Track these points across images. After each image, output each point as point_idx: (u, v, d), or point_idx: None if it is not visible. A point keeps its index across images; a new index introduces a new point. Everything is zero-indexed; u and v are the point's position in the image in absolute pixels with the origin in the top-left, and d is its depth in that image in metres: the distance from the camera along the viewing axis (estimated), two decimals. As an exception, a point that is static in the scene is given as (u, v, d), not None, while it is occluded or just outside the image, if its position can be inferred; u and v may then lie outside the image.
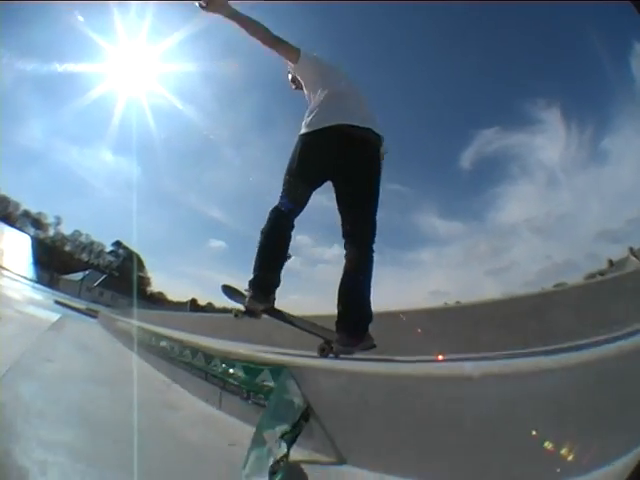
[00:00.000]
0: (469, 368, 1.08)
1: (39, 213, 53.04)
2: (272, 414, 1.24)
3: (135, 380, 2.36)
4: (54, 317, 5.65)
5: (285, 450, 1.07)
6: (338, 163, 1.93)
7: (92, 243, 55.96)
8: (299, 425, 1.16)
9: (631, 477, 0.72)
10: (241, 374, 1.75)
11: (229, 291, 2.37)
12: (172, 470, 1.13)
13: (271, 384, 1.47)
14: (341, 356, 1.86)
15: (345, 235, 1.97)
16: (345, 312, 1.89)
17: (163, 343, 2.85)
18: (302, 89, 2.20)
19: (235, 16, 1.90)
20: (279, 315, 2.16)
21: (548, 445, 0.80)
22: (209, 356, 2.06)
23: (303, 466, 1.10)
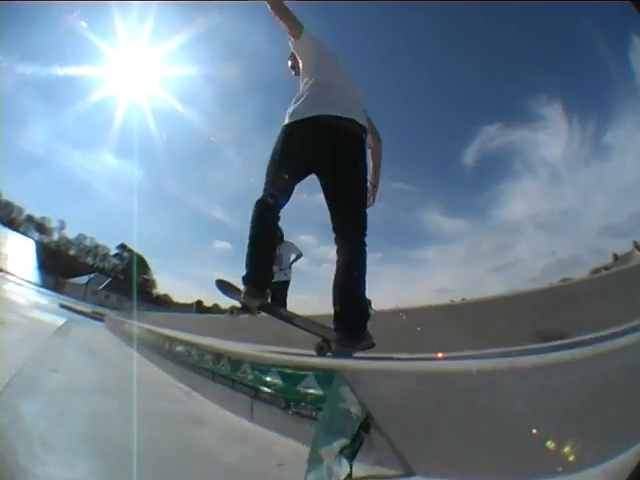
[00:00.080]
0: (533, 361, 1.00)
1: (43, 217, 53.08)
2: (327, 427, 1.09)
3: (151, 390, 2.13)
4: (59, 321, 5.43)
5: (347, 468, 0.96)
6: (321, 154, 1.89)
7: (97, 246, 55.98)
8: (359, 437, 1.02)
9: (631, 477, 0.71)
10: (278, 381, 1.52)
11: (223, 286, 2.23)
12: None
13: (317, 391, 1.28)
14: (389, 355, 1.71)
15: (334, 229, 1.92)
16: (342, 311, 1.82)
17: (179, 348, 2.60)
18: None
19: None
20: (275, 312, 2.06)
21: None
22: (236, 361, 1.82)
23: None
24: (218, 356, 2.01)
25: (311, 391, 1.32)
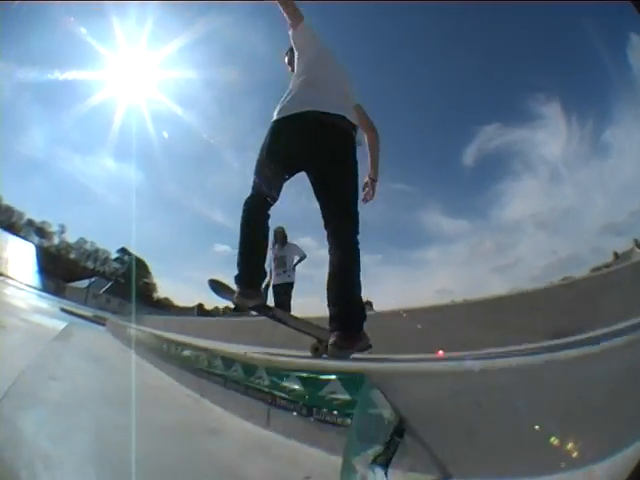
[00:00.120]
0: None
1: (43, 222, 53.14)
2: (359, 434, 1.03)
3: (159, 398, 2.02)
4: (60, 325, 5.33)
5: (383, 477, 0.91)
6: (309, 150, 1.86)
7: (97, 250, 56.03)
8: (393, 443, 0.96)
9: (631, 477, 0.71)
10: (298, 387, 1.43)
11: (216, 286, 2.18)
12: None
13: (343, 396, 1.20)
14: (414, 356, 1.68)
15: (325, 227, 1.89)
16: (337, 312, 1.78)
17: (187, 352, 2.49)
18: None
19: None
20: (269, 313, 2.02)
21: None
22: (251, 366, 1.71)
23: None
24: (230, 361, 1.90)
25: (336, 396, 1.24)
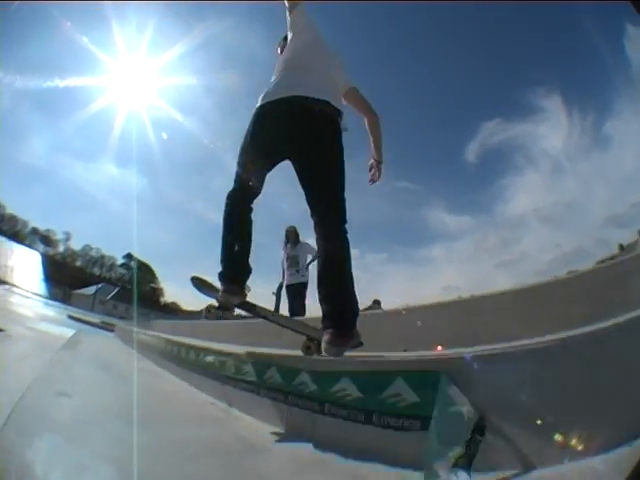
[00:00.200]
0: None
1: (48, 230, 53.25)
2: (438, 437, 0.95)
3: (183, 409, 1.80)
4: (68, 333, 5.15)
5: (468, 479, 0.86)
6: (292, 136, 1.79)
7: (103, 257, 56.07)
8: (474, 442, 0.91)
9: (631, 477, 0.70)
10: (352, 391, 1.25)
11: (199, 283, 2.09)
12: None
13: (410, 398, 1.09)
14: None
15: (311, 216, 1.80)
16: (329, 308, 1.70)
17: (209, 358, 2.27)
18: None
19: None
20: (254, 310, 1.96)
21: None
22: (289, 371, 1.50)
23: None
24: (263, 366, 1.69)
25: (402, 398, 1.10)
